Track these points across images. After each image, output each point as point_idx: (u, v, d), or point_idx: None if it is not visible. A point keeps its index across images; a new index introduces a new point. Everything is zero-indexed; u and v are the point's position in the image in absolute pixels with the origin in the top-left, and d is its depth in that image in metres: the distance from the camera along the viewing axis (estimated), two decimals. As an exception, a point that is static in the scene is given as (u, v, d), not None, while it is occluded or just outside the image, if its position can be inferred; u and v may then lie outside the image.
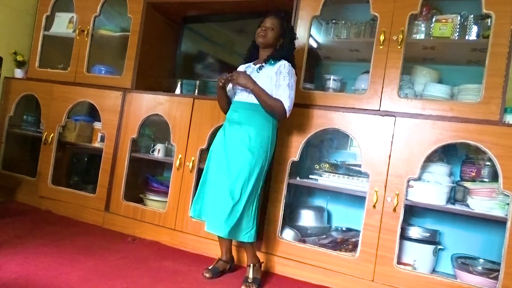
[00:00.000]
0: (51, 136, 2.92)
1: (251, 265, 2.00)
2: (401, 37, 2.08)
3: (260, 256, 2.23)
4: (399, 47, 2.09)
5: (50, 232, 2.39)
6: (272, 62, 1.97)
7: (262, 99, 1.90)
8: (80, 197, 2.81)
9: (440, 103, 2.04)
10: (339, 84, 2.54)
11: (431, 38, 2.17)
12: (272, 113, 1.93)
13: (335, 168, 2.48)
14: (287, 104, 1.90)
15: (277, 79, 1.92)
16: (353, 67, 2.66)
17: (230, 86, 2.09)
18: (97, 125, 2.95)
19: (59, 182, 2.95)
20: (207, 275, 2.02)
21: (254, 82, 1.91)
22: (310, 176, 2.37)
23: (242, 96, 1.99)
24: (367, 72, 2.40)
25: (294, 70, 1.98)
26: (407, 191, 2.00)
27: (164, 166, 3.08)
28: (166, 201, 2.55)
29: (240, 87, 1.99)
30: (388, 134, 2.05)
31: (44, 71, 3.12)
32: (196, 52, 3.13)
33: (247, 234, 1.90)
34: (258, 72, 1.98)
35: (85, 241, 2.33)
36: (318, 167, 2.48)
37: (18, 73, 3.21)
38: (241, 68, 2.14)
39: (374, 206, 2.03)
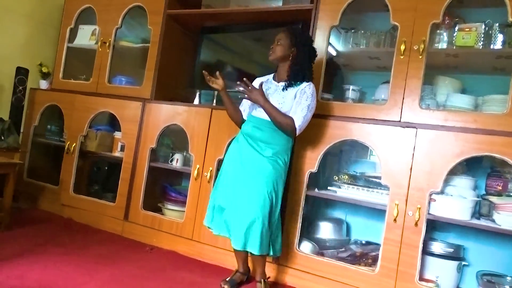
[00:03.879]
0: (73, 145, 2.98)
1: (262, 280, 1.98)
2: (423, 46, 2.03)
3: (277, 268, 2.21)
4: (420, 57, 2.04)
5: (71, 241, 2.43)
6: (298, 83, 1.99)
7: (272, 115, 1.93)
8: (100, 206, 2.85)
9: (464, 114, 1.97)
10: (358, 94, 2.50)
11: (454, 47, 2.11)
12: (282, 130, 1.96)
13: (354, 179, 2.43)
14: (299, 123, 1.93)
15: (300, 97, 1.95)
16: (373, 76, 2.62)
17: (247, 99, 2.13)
18: (117, 134, 3.00)
19: (80, 190, 3.01)
20: (226, 286, 2.00)
21: (266, 99, 1.94)
22: (329, 188, 2.34)
23: (262, 113, 1.99)
24: (387, 82, 2.36)
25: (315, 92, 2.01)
26: (429, 205, 1.94)
27: (182, 176, 3.10)
28: (184, 211, 2.56)
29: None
30: (409, 146, 2.00)
31: (67, 82, 3.21)
32: (214, 61, 3.15)
33: (264, 247, 1.88)
34: (283, 91, 1.99)
35: (104, 250, 2.36)
36: (337, 178, 2.44)
37: (43, 84, 3.31)
38: (258, 80, 2.15)
39: (394, 220, 1.97)
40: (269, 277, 2.12)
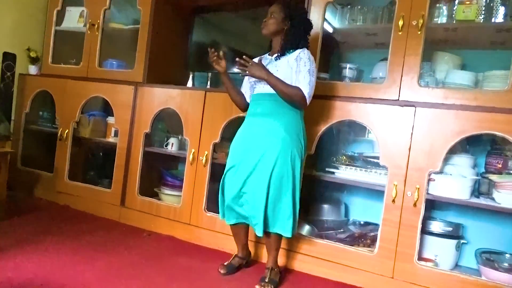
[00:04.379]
0: (66, 132, 2.93)
1: (271, 267, 1.95)
2: (421, 22, 1.96)
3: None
4: (419, 32, 1.97)
5: (67, 229, 2.41)
6: (291, 50, 1.92)
7: (278, 88, 1.83)
8: (96, 192, 2.83)
9: (464, 91, 1.92)
10: (355, 72, 2.44)
11: (454, 21, 2.04)
12: (291, 101, 1.85)
13: (352, 160, 2.40)
14: (307, 90, 1.82)
15: (297, 65, 1.85)
16: (371, 54, 2.56)
17: (246, 78, 2.07)
18: (111, 120, 2.94)
19: (75, 177, 2.97)
20: (222, 271, 1.99)
21: (268, 72, 1.84)
22: (327, 169, 2.31)
23: (264, 88, 1.92)
24: (385, 59, 2.29)
25: (313, 57, 1.92)
26: (428, 185, 1.91)
27: (178, 160, 3.06)
28: (181, 195, 2.53)
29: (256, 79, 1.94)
30: (408, 125, 1.95)
31: (57, 66, 3.12)
32: (208, 42, 3.06)
33: (281, 227, 1.85)
34: (276, 61, 1.93)
35: (101, 237, 2.34)
36: (334, 159, 2.41)
37: (32, 69, 3.22)
38: (255, 60, 2.07)
39: (393, 200, 1.95)
40: (281, 270, 2.05)
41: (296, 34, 1.92)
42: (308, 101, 1.84)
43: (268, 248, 1.98)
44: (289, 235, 1.85)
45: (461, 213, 2.22)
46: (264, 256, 2.21)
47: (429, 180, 1.91)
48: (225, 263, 2.04)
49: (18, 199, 2.91)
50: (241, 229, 2.03)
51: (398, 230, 1.94)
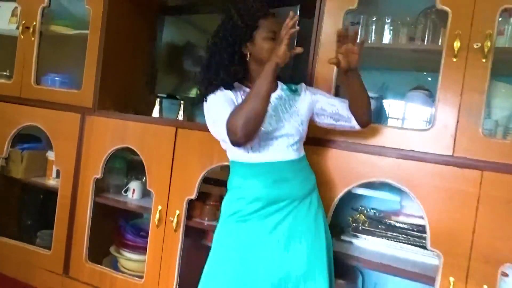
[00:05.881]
0: (-10, 171, 2.21)
1: None
2: (488, 44, 1.36)
3: None
4: (484, 60, 1.37)
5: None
6: (294, 88, 1.39)
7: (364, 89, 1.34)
8: (31, 254, 2.13)
9: (550, 148, 1.34)
10: (377, 103, 1.83)
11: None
12: (368, 112, 1.39)
13: (374, 222, 1.80)
14: None
15: (320, 93, 1.42)
16: (395, 77, 1.96)
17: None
18: (52, 155, 2.23)
19: (5, 229, 2.25)
20: None
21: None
22: (342, 237, 1.71)
23: (281, 152, 1.27)
24: (420, 88, 1.72)
25: None
26: (499, 283, 1.34)
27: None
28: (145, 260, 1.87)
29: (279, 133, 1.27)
30: (471, 196, 1.36)
31: (-19, 81, 2.37)
32: (182, 44, 2.37)
33: None
34: (291, 99, 1.37)
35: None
36: (351, 220, 1.81)
37: (-51, 83, 2.45)
38: (227, 94, 1.27)
39: (448, 304, 1.36)
40: None
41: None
42: None
43: None
44: None
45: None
46: None
47: (501, 275, 1.34)
48: None
49: None
50: None
51: None
